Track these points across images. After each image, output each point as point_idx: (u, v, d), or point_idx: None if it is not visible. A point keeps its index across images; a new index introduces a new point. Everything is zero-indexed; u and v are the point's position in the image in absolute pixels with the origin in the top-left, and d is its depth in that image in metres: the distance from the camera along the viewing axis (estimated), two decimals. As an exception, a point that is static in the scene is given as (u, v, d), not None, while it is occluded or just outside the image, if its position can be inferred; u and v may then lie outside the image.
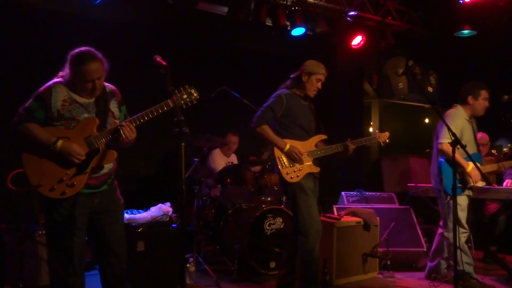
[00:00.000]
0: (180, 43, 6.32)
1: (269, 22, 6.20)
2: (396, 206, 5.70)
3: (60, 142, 2.76)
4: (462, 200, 4.36)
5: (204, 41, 6.54)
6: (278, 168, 3.83)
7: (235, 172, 5.12)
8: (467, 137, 4.39)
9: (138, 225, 4.16)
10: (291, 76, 4.08)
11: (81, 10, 5.43)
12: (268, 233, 4.78)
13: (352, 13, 6.44)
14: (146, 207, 4.65)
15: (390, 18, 6.83)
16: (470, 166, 4.27)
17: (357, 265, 4.74)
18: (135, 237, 4.06)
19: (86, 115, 2.89)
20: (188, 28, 6.34)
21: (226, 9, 5.93)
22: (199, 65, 6.33)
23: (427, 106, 8.73)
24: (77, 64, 2.82)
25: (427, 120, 9.50)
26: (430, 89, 8.03)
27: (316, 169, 3.96)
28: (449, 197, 4.33)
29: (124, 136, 2.86)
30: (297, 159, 3.85)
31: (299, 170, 3.86)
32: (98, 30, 5.32)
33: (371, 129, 8.58)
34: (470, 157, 3.77)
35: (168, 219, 4.45)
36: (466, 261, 4.24)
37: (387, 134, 4.35)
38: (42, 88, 2.86)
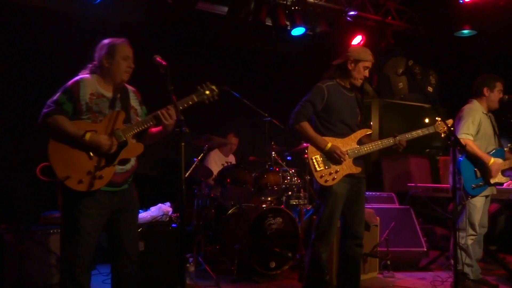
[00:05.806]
0: (180, 43, 6.32)
1: (269, 22, 6.21)
2: (396, 206, 5.70)
3: (88, 135, 2.79)
4: (479, 202, 4.20)
5: (204, 41, 6.53)
6: (311, 170, 3.51)
7: (235, 172, 5.12)
8: (485, 132, 4.26)
9: (138, 225, 4.15)
10: (334, 63, 3.69)
11: (81, 10, 5.43)
12: (268, 233, 4.77)
13: (352, 13, 6.45)
14: (146, 207, 4.66)
15: (390, 18, 6.84)
16: (492, 160, 4.14)
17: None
18: (135, 237, 4.05)
19: (112, 109, 2.93)
20: (188, 28, 6.34)
21: (226, 9, 5.93)
22: (199, 65, 6.32)
23: (427, 106, 8.73)
24: (113, 44, 2.95)
25: (427, 120, 9.48)
26: (430, 89, 8.04)
27: (356, 170, 3.56)
28: (469, 197, 4.15)
29: (164, 117, 2.90)
30: (338, 160, 3.48)
31: (336, 172, 3.50)
32: (98, 30, 5.29)
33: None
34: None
35: (168, 219, 4.46)
36: (466, 262, 4.22)
37: (450, 121, 3.78)
38: (69, 83, 2.90)
